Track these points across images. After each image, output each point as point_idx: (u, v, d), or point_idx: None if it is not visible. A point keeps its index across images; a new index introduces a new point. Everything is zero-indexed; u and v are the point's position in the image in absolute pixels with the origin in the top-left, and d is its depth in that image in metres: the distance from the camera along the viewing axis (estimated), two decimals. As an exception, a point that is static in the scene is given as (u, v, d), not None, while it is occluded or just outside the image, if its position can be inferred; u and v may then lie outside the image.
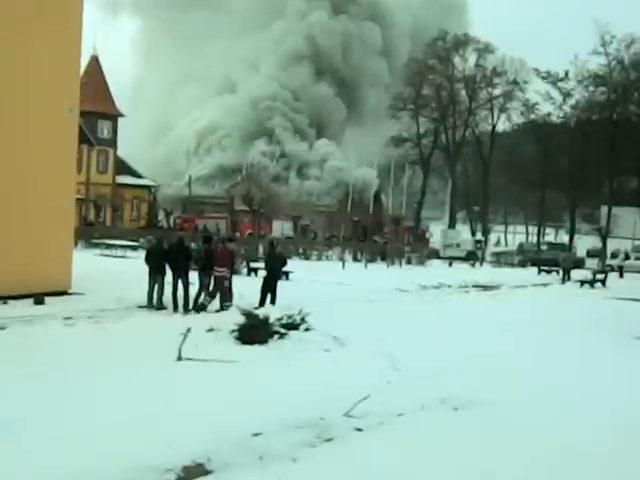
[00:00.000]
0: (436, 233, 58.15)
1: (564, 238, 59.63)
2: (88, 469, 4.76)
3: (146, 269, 13.53)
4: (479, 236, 55.24)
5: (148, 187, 51.37)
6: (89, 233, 34.43)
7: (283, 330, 9.70)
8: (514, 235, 71.17)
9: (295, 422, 6.04)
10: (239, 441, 5.48)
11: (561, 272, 28.84)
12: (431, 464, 5.29)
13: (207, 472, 5.00)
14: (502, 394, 7.43)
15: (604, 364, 9.77)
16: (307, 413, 6.29)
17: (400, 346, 9.71)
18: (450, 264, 37.59)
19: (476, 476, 5.09)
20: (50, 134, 13.80)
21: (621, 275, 34.61)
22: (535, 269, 34.28)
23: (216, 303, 13.48)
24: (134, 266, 17.38)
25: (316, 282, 19.51)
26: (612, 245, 46.53)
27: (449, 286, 22.20)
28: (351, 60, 63.32)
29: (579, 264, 36.47)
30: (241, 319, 9.61)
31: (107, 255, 26.96)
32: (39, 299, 12.51)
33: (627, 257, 41.01)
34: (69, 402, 6.25)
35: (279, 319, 9.86)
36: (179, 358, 8.22)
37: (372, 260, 35.00)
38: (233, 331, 9.53)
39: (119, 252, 27.97)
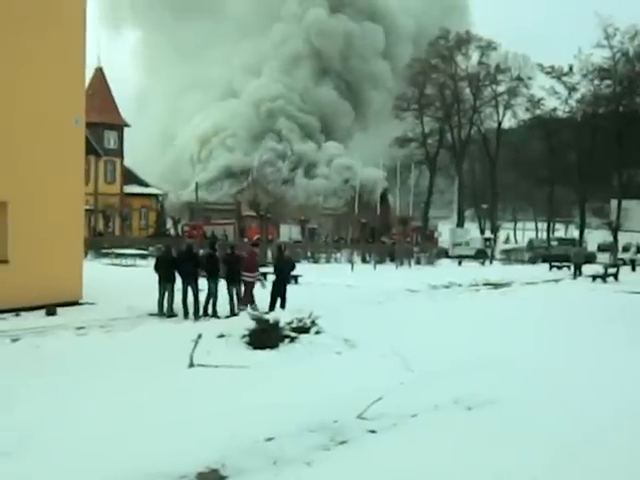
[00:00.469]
0: (445, 232, 57.95)
1: (574, 233, 59.19)
2: (102, 476, 4.77)
3: (156, 277, 13.59)
4: (488, 234, 54.98)
5: (156, 196, 51.58)
6: (99, 243, 34.60)
7: (294, 334, 9.71)
8: (524, 232, 70.75)
9: (308, 425, 6.03)
10: (253, 446, 5.48)
11: (572, 267, 28.66)
12: (445, 465, 5.26)
13: (221, 478, 5.01)
14: (516, 393, 7.39)
15: (618, 359, 9.68)
16: (320, 416, 6.27)
17: (412, 347, 9.67)
18: (460, 263, 37.45)
19: (491, 477, 5.06)
20: (57, 146, 13.90)
21: (633, 269, 34.34)
22: (546, 265, 34.07)
23: (226, 308, 13.53)
24: (144, 274, 17.45)
25: (325, 285, 19.49)
26: (623, 239, 46.15)
27: (459, 285, 22.12)
28: (354, 62, 63.35)
29: (590, 259, 36.21)
30: (251, 324, 9.62)
31: (117, 264, 27.09)
32: (51, 310, 12.59)
33: (639, 250, 40.69)
34: (82, 411, 6.27)
35: (289, 323, 9.87)
36: (191, 365, 8.24)
37: (381, 261, 34.92)
38: (244, 336, 9.54)
39: (129, 261, 28.09)
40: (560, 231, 67.51)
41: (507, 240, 68.47)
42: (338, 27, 61.47)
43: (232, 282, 13.70)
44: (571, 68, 57.42)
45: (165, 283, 13.42)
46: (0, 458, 4.99)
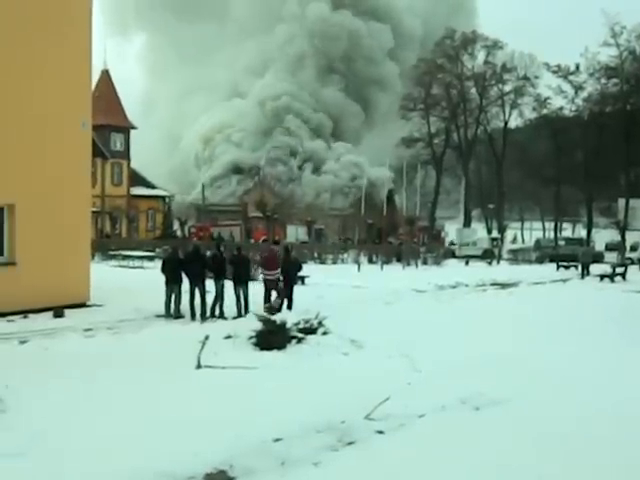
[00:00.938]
0: (451, 232, 57.80)
1: (582, 233, 58.90)
2: (111, 477, 4.79)
3: (163, 279, 13.63)
4: (495, 234, 54.79)
5: (162, 197, 51.74)
6: (106, 245, 34.73)
7: (301, 335, 9.71)
8: (531, 231, 70.42)
9: (316, 426, 6.03)
10: (260, 447, 5.49)
11: (580, 267, 28.52)
12: (453, 465, 5.25)
13: (229, 478, 5.02)
14: (523, 393, 7.36)
15: (626, 359, 9.64)
16: (327, 417, 6.27)
17: (419, 347, 9.66)
18: (467, 263, 37.32)
19: (499, 477, 5.04)
20: (64, 149, 13.97)
21: (641, 268, 34.09)
22: (553, 265, 33.91)
23: (233, 309, 13.54)
24: (151, 276, 17.50)
25: (332, 286, 19.48)
26: (631, 238, 45.84)
27: (466, 285, 22.04)
28: (360, 62, 63.34)
29: (598, 258, 35.96)
30: (258, 325, 9.63)
31: (124, 266, 27.17)
32: (59, 312, 12.65)
33: (647, 249, 40.43)
34: (91, 412, 6.30)
35: (296, 324, 9.87)
36: (198, 366, 8.25)
37: (388, 262, 34.86)
38: (251, 337, 9.55)
39: (136, 263, 28.16)
40: (567, 231, 67.19)
41: (514, 240, 68.16)
42: (343, 26, 61.43)
43: (239, 283, 13.73)
44: (578, 67, 57.17)
45: (172, 285, 13.45)
46: (14, 458, 5.04)
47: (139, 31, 73.37)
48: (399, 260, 35.36)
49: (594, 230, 56.21)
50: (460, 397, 7.06)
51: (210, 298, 13.55)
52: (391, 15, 63.83)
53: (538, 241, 52.63)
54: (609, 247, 43.79)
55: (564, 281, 25.04)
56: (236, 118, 61.30)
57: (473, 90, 62.98)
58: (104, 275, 17.32)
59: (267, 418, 6.22)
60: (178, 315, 13.33)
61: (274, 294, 13.97)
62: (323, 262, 34.01)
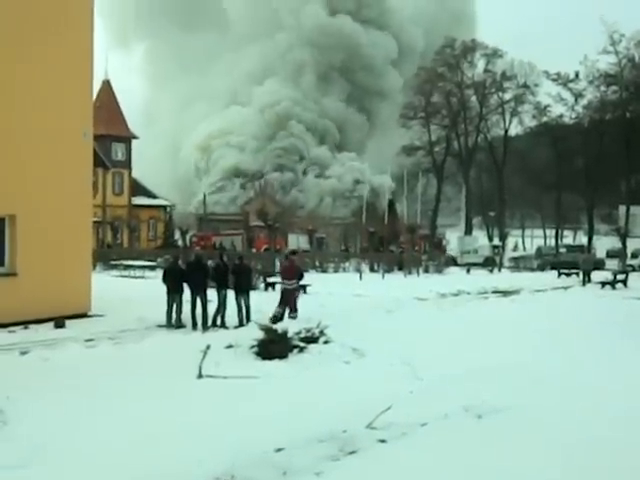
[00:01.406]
0: (452, 240, 57.79)
1: (583, 240, 58.86)
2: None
3: (164, 288, 13.62)
4: (496, 241, 54.79)
5: (164, 207, 51.82)
6: (107, 255, 34.72)
7: (302, 344, 9.69)
8: (532, 239, 70.44)
9: (318, 436, 6.01)
10: (262, 457, 5.46)
11: (581, 274, 28.48)
12: (456, 474, 5.22)
13: (231, 489, 4.99)
14: (526, 400, 7.33)
15: (627, 366, 9.61)
16: (329, 426, 6.25)
17: (421, 355, 9.63)
18: (468, 271, 37.29)
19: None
20: (65, 159, 14.01)
21: (643, 275, 34.02)
22: (555, 272, 33.88)
23: (234, 319, 13.54)
24: (152, 286, 17.49)
25: (334, 294, 19.46)
26: (632, 245, 45.81)
27: (468, 293, 22.02)
28: (360, 71, 63.55)
29: (599, 265, 35.95)
30: (260, 334, 9.62)
31: (125, 276, 27.17)
32: (60, 322, 12.63)
33: (648, 256, 40.40)
34: (93, 422, 6.28)
35: (298, 333, 9.86)
36: (200, 376, 8.23)
37: (389, 270, 34.84)
38: (252, 347, 9.53)
39: (137, 273, 28.15)
40: (568, 238, 67.19)
41: (515, 247, 68.13)
42: (343, 33, 61.53)
43: (240, 292, 13.73)
44: (577, 75, 57.40)
45: (173, 294, 13.44)
46: (15, 470, 5.02)
47: (139, 41, 73.79)
48: (401, 268, 35.34)
49: (595, 237, 56.21)
50: (462, 405, 7.04)
51: (212, 307, 13.54)
52: (391, 24, 64.10)
53: (539, 248, 52.62)
54: (610, 254, 43.76)
55: (565, 288, 25.00)
56: (237, 125, 61.51)
57: (473, 98, 63.21)
58: (105, 285, 17.32)
59: (269, 427, 6.20)
60: (179, 325, 13.31)
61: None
62: (325, 271, 33.99)
